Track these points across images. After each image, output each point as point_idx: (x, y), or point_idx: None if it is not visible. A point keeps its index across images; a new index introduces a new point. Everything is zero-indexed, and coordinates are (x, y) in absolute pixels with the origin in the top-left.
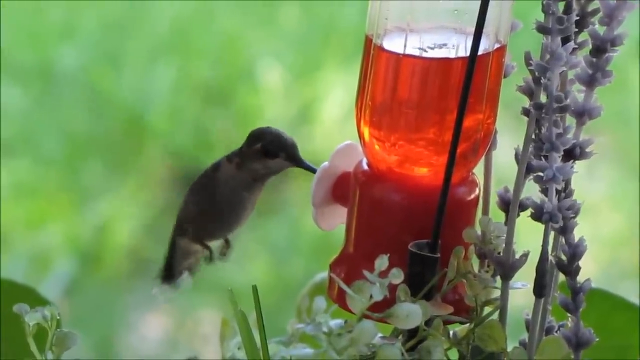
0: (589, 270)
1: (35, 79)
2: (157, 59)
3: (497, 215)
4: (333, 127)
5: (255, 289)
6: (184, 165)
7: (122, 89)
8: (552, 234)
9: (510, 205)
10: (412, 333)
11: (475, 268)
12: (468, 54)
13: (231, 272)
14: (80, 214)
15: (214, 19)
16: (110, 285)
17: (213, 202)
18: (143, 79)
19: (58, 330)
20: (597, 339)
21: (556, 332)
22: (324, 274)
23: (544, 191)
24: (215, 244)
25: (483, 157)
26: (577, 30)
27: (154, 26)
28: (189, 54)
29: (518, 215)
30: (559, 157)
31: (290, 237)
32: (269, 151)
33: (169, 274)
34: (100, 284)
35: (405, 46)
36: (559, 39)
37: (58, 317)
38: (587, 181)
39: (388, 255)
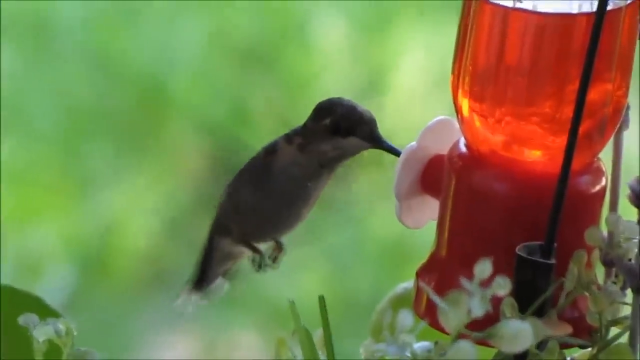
0: None
1: (27, 37)
2: (182, 12)
3: (627, 212)
4: (410, 100)
5: (322, 300)
6: (217, 146)
7: (138, 49)
8: None
9: None
10: (520, 358)
11: (600, 278)
12: (594, 9)
13: (275, 283)
14: (83, 208)
15: None
16: (121, 299)
17: (267, 195)
18: (165, 37)
19: (75, 348)
20: None
21: None
22: (406, 285)
23: None
24: (264, 247)
25: (611, 139)
26: None
27: None
28: (223, 5)
29: None
30: None
31: (354, 240)
32: (341, 128)
33: (201, 279)
34: (109, 297)
35: None
36: None
37: (75, 333)
38: None
39: (491, 260)
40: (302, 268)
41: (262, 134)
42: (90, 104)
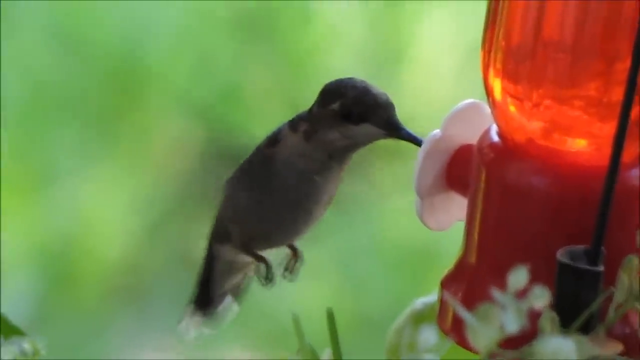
0: None
1: None
2: None
3: None
4: (434, 77)
5: (330, 314)
6: (206, 133)
7: (109, 18)
8: None
9: None
10: None
11: None
12: None
13: (276, 293)
14: (46, 205)
15: None
16: (92, 313)
17: (270, 193)
18: (139, 3)
19: None
20: None
21: None
22: (427, 299)
23: None
24: (275, 255)
25: None
26: None
27: None
28: None
29: None
30: None
31: (370, 243)
32: (353, 113)
33: (205, 299)
34: (78, 311)
35: None
36: None
37: (43, 352)
38: None
39: (528, 267)
40: (309, 276)
41: (259, 117)
42: (54, 82)
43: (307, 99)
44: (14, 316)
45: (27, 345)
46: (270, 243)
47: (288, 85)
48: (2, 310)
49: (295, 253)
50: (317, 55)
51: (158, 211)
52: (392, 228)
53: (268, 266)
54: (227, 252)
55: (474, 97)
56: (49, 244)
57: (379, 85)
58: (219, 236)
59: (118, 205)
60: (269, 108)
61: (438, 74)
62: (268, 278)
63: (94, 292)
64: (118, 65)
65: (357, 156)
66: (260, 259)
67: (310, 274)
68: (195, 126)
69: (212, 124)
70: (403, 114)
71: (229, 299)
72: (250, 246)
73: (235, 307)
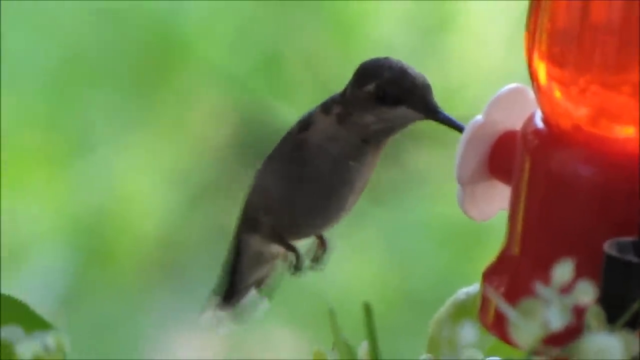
0: None
1: None
2: None
3: None
4: (481, 43)
5: (367, 308)
6: (246, 103)
7: None
8: None
9: None
10: None
11: None
12: None
13: (317, 275)
14: (78, 177)
15: None
16: (127, 292)
17: (301, 179)
18: None
19: None
20: None
21: None
22: (470, 289)
23: None
24: (304, 244)
25: None
26: None
27: None
28: None
29: None
30: None
31: (414, 230)
32: (388, 95)
33: (231, 290)
34: (114, 288)
35: None
36: None
37: (66, 348)
38: None
39: (574, 260)
40: (355, 253)
41: (299, 91)
42: (90, 52)
43: (352, 70)
44: (46, 293)
45: (50, 341)
46: (302, 233)
47: (332, 58)
48: (35, 288)
49: (322, 242)
50: (364, 25)
51: (196, 183)
52: (440, 203)
53: (299, 257)
54: (256, 243)
55: (523, 67)
56: (83, 217)
57: (427, 54)
58: (247, 226)
59: (155, 177)
60: (309, 82)
61: (487, 43)
62: (298, 268)
63: (130, 268)
64: (156, 33)
65: (399, 141)
66: (291, 248)
67: (357, 251)
68: (234, 97)
69: (251, 94)
70: (451, 84)
71: (253, 292)
72: (280, 236)
73: (265, 303)
